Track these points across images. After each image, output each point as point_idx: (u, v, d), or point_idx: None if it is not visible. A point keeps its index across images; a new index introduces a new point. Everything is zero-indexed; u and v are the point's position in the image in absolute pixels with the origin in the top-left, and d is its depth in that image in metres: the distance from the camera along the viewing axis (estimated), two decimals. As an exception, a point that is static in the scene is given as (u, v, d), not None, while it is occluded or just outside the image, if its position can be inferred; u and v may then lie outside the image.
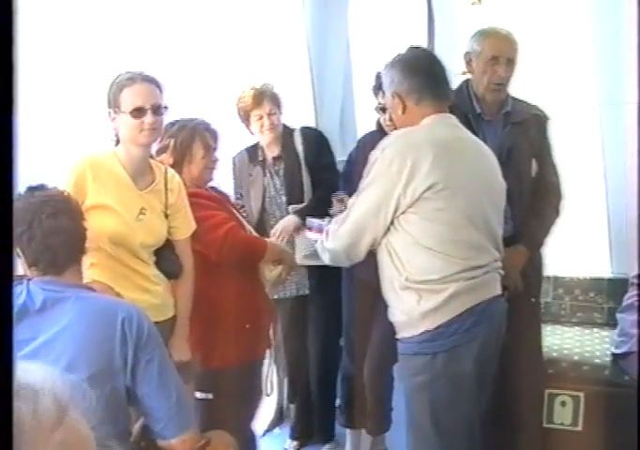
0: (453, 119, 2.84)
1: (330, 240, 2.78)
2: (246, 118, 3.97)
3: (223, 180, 3.66)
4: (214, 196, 3.30)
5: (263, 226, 3.97)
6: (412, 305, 2.67)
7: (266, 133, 3.96)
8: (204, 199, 3.18)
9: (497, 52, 3.34)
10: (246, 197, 4.05)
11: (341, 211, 3.07)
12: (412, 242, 2.65)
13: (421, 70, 2.78)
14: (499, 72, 3.33)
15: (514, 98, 3.50)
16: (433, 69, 2.82)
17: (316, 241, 2.97)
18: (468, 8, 4.72)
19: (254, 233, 3.43)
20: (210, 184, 3.35)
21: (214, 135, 3.23)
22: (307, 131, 4.18)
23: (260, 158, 4.07)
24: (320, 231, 2.98)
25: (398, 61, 2.81)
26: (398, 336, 2.78)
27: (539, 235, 3.45)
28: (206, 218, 3.10)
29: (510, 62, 3.37)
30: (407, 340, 2.73)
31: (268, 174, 4.05)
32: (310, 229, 3.16)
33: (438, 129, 2.75)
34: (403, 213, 2.63)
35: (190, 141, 3.15)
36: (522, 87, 3.88)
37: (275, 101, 3.98)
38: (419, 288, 2.65)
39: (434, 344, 2.67)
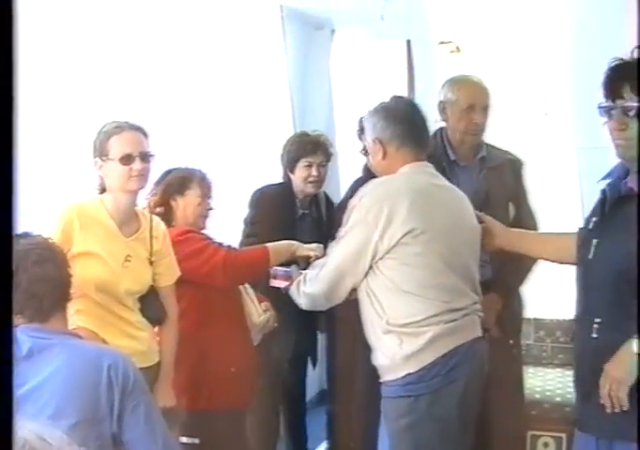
0: (430, 168, 2.90)
1: (309, 285, 2.83)
2: (292, 163, 3.84)
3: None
4: (207, 236, 3.33)
5: None
6: (394, 348, 2.70)
7: (310, 185, 3.83)
8: (197, 233, 3.23)
9: (473, 100, 3.41)
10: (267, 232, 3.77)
11: None
12: (391, 286, 2.70)
13: (404, 118, 2.85)
14: (476, 120, 3.40)
15: (488, 144, 3.57)
16: (414, 118, 2.89)
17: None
18: (447, 56, 4.82)
19: None
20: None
21: (209, 184, 3.30)
22: (327, 196, 4.13)
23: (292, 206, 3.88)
24: (286, 278, 3.03)
25: (382, 108, 2.88)
26: (381, 379, 2.80)
27: (514, 281, 3.49)
28: (201, 251, 3.14)
29: (485, 109, 3.44)
30: (391, 384, 2.75)
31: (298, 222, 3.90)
32: (274, 277, 3.11)
33: (415, 177, 2.82)
34: (381, 258, 2.69)
35: (189, 187, 3.23)
36: (500, 133, 3.98)
37: (328, 157, 3.92)
38: (400, 331, 2.68)
39: (417, 386, 2.69)
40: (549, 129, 4.79)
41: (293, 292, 2.92)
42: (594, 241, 2.34)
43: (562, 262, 2.61)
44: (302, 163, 3.80)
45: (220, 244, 3.27)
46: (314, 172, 3.80)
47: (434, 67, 4.87)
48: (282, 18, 4.77)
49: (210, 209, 3.32)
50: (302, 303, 2.92)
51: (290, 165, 3.84)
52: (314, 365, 4.24)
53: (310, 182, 3.82)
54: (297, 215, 3.84)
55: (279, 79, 4.92)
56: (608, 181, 2.37)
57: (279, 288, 3.08)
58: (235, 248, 3.30)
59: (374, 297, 2.73)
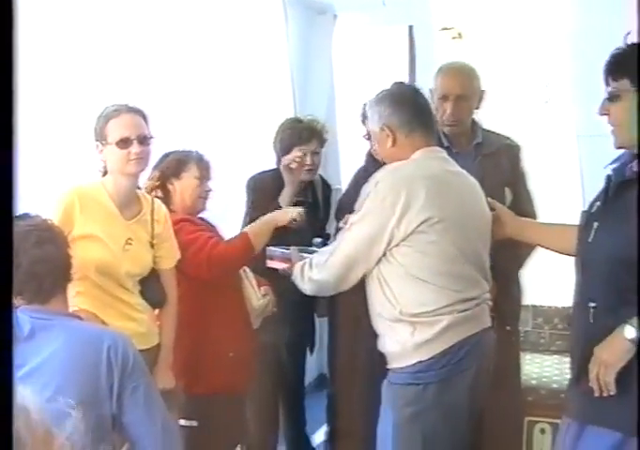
0: (442, 153, 2.89)
1: (317, 271, 2.80)
2: (286, 151, 3.77)
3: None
4: (201, 222, 3.34)
5: None
6: (406, 336, 2.68)
7: (305, 173, 3.78)
8: (190, 223, 3.23)
9: (446, 90, 3.40)
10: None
11: None
12: (405, 274, 2.67)
13: (411, 104, 2.82)
14: (447, 110, 3.38)
15: (485, 130, 3.56)
16: (420, 103, 2.86)
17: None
18: (449, 43, 4.81)
19: None
20: (201, 215, 3.41)
21: (207, 165, 3.30)
22: (323, 179, 4.12)
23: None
24: (283, 260, 3.02)
25: (387, 95, 2.85)
26: (389, 366, 2.79)
27: (512, 267, 3.49)
28: (192, 242, 3.15)
29: (460, 98, 3.40)
30: (399, 371, 2.74)
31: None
32: (271, 258, 3.10)
33: (429, 163, 2.79)
34: (396, 245, 2.66)
35: (184, 170, 3.23)
36: (501, 119, 3.98)
37: (322, 143, 3.88)
38: (414, 320, 2.67)
39: (426, 375, 2.68)
40: (550, 117, 4.79)
41: (296, 277, 2.89)
42: (595, 224, 2.34)
43: (569, 254, 2.58)
44: (296, 151, 3.74)
45: (212, 231, 3.30)
46: (308, 161, 3.76)
47: (436, 53, 4.85)
48: (284, 2, 4.76)
49: (209, 191, 3.32)
50: (307, 288, 2.89)
51: (283, 152, 3.78)
52: (312, 350, 4.25)
53: (304, 170, 3.76)
54: (292, 202, 3.73)
55: (280, 63, 4.92)
56: (614, 166, 2.36)
57: (276, 269, 3.06)
58: (221, 240, 3.26)
59: (386, 285, 2.71)
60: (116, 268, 2.83)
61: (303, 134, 3.77)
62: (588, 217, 2.41)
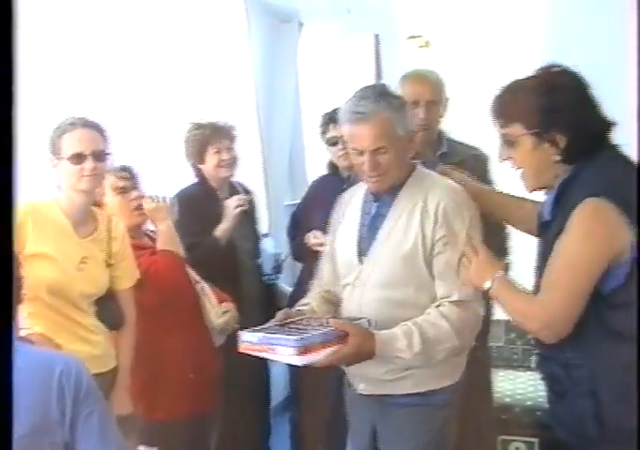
0: None
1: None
2: (199, 152, 3.73)
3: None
4: (147, 245, 3.23)
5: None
6: None
7: (224, 169, 3.73)
8: (139, 250, 3.11)
9: (416, 96, 3.32)
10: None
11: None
12: None
13: None
14: (420, 115, 3.30)
15: (452, 140, 3.51)
16: None
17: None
18: (416, 51, 4.75)
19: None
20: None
21: (128, 175, 3.16)
22: (242, 184, 4.04)
23: (215, 203, 3.75)
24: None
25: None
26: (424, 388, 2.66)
27: None
28: (138, 267, 3.04)
29: (431, 104, 3.36)
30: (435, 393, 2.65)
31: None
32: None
33: None
34: None
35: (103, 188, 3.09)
36: (468, 127, 3.90)
37: (232, 138, 3.81)
38: None
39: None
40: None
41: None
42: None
43: (526, 231, 2.54)
44: (210, 151, 3.71)
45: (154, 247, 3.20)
46: (225, 156, 3.72)
47: (403, 61, 4.79)
48: (247, 10, 4.66)
49: (134, 199, 3.15)
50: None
51: (198, 157, 3.74)
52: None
53: (221, 166, 3.72)
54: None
55: (244, 73, 4.82)
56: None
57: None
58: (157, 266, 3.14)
59: None
60: (70, 288, 2.71)
61: (213, 133, 3.73)
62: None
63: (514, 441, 3.84)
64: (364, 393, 2.71)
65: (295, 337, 2.27)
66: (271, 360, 2.59)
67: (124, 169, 3.15)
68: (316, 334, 2.32)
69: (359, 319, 2.49)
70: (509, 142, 2.21)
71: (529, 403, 3.90)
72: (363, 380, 2.69)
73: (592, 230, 2.04)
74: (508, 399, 3.99)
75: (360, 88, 2.65)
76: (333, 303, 2.75)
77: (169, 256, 3.15)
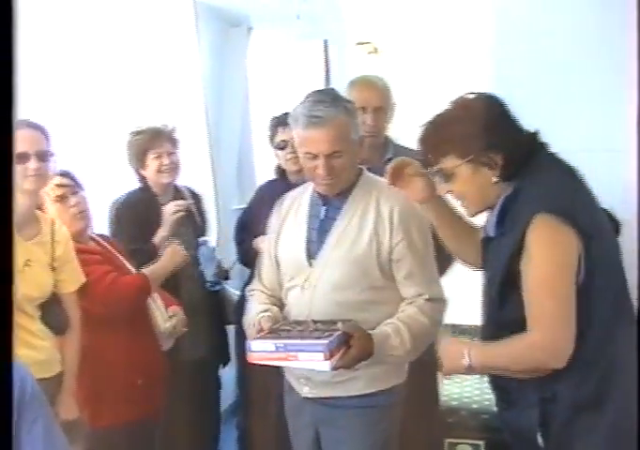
0: None
1: None
2: (140, 158, 3.70)
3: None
4: (97, 249, 3.20)
5: None
6: None
7: (166, 175, 3.69)
8: (87, 254, 3.08)
9: (363, 102, 3.33)
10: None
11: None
12: None
13: None
14: (367, 122, 3.34)
15: (399, 146, 3.52)
16: None
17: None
18: (365, 57, 4.76)
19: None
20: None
21: (68, 181, 3.10)
22: (191, 189, 4.02)
23: (156, 210, 3.69)
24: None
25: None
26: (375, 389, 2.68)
27: None
28: (88, 275, 3.01)
29: (379, 109, 3.41)
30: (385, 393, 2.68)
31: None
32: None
33: None
34: None
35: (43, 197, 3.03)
36: (417, 132, 3.92)
37: (174, 142, 3.77)
38: None
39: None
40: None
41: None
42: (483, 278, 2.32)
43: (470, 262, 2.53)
44: (150, 156, 3.67)
45: (108, 258, 3.18)
46: (166, 161, 3.68)
47: (351, 67, 4.79)
48: (196, 14, 4.64)
49: (74, 206, 3.09)
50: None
51: (140, 162, 3.70)
52: (225, 364, 4.06)
53: (162, 171, 3.68)
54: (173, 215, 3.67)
55: (193, 77, 4.79)
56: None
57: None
58: (117, 277, 3.12)
59: None
60: (14, 291, 2.64)
61: (153, 138, 3.69)
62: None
63: (461, 443, 3.84)
64: (309, 396, 2.71)
65: (321, 342, 2.25)
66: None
67: (63, 174, 3.09)
68: (334, 337, 2.30)
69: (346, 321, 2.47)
70: (446, 176, 2.21)
71: (475, 406, 3.92)
72: (308, 383, 2.69)
73: (553, 247, 2.05)
74: (455, 403, 4.00)
75: (313, 92, 2.67)
76: (280, 307, 2.75)
77: (140, 280, 3.16)
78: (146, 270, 3.23)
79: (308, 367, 2.34)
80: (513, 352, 2.13)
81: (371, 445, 2.65)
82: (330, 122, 2.53)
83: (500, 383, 2.25)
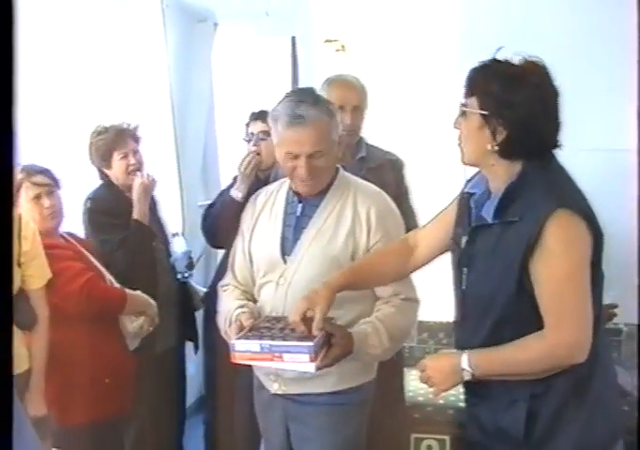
0: None
1: None
2: (105, 158, 3.60)
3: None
4: (68, 245, 3.17)
5: None
6: None
7: (132, 175, 3.59)
8: (58, 249, 3.05)
9: (342, 101, 3.37)
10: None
11: None
12: None
13: None
14: (346, 120, 3.36)
15: (369, 145, 3.58)
16: None
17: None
18: (332, 55, 4.77)
19: (115, 283, 3.26)
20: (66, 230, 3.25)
21: (44, 178, 3.07)
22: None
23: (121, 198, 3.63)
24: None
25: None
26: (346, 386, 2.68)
27: None
28: (63, 271, 2.99)
29: (357, 109, 3.46)
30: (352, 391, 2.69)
31: None
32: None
33: None
34: None
35: (18, 195, 2.99)
36: (383, 133, 3.95)
37: (137, 140, 3.71)
38: None
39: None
40: (432, 131, 4.80)
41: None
42: (464, 270, 2.22)
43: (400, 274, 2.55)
44: (116, 157, 3.60)
45: (81, 257, 3.15)
46: (132, 161, 3.61)
47: (319, 65, 4.80)
48: (163, 8, 4.61)
49: (51, 207, 3.06)
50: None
51: (104, 162, 3.62)
52: (196, 350, 4.03)
53: (129, 171, 3.61)
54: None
55: (158, 71, 4.76)
56: (473, 192, 2.28)
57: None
58: (94, 278, 3.11)
59: None
60: (-21, 287, 2.62)
61: (117, 137, 3.61)
62: (458, 259, 2.26)
63: (426, 438, 3.90)
64: (279, 393, 2.71)
65: (307, 344, 2.23)
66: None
67: (41, 172, 3.07)
68: (317, 338, 2.28)
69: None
70: (462, 112, 2.16)
71: (441, 402, 3.95)
72: (277, 379, 2.69)
73: (575, 244, 2.03)
74: (420, 398, 4.04)
75: (292, 91, 2.70)
76: (254, 302, 2.76)
77: (119, 295, 3.17)
78: (129, 292, 3.21)
79: (293, 368, 2.33)
80: (531, 354, 2.07)
81: (339, 442, 2.66)
82: (313, 122, 2.54)
83: (480, 380, 2.17)
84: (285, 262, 2.65)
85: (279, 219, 2.73)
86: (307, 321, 2.32)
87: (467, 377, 2.12)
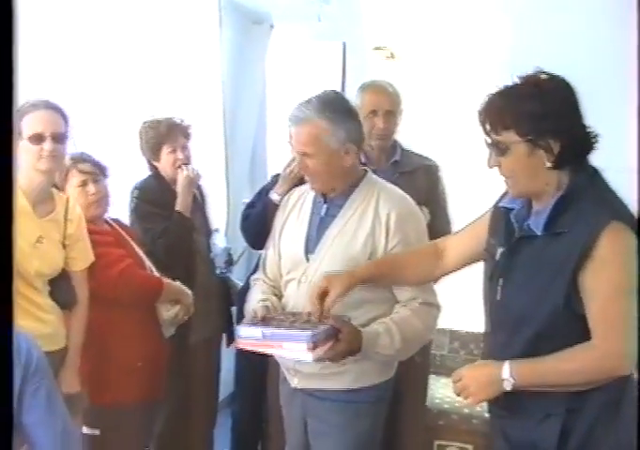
0: None
1: None
2: (154, 150, 3.69)
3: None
4: (111, 231, 3.25)
5: None
6: None
7: (179, 170, 3.66)
8: (99, 235, 3.13)
9: (375, 105, 3.48)
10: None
11: None
12: None
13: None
14: (378, 124, 3.46)
15: (405, 150, 3.62)
16: None
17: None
18: (382, 62, 4.81)
19: (154, 271, 3.33)
20: (113, 217, 3.33)
21: (90, 168, 3.16)
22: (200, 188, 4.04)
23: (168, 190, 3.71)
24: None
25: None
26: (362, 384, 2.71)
27: None
28: (101, 256, 3.06)
29: (389, 113, 3.51)
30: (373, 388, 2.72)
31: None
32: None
33: None
34: None
35: (67, 180, 3.11)
36: (431, 139, 3.98)
37: (188, 137, 3.78)
38: None
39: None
40: (477, 139, 4.81)
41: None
42: (500, 281, 2.20)
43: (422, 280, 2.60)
44: (165, 150, 3.68)
45: (122, 244, 3.23)
46: (180, 156, 3.68)
47: (368, 71, 4.84)
48: (220, 9, 4.70)
49: (98, 193, 3.16)
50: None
51: (153, 153, 3.71)
52: (228, 344, 4.05)
53: (177, 165, 3.68)
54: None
55: (212, 71, 4.84)
56: (508, 204, 2.26)
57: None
58: (132, 265, 3.19)
59: None
60: (25, 266, 2.72)
61: (168, 132, 3.69)
62: (493, 269, 2.24)
63: (450, 446, 3.91)
64: (298, 387, 2.76)
65: (305, 333, 2.29)
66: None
67: (87, 160, 3.16)
68: (320, 330, 2.34)
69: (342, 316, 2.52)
70: (500, 150, 2.09)
71: (467, 411, 3.97)
72: (297, 374, 2.74)
73: (629, 256, 2.00)
74: (446, 406, 4.05)
75: (319, 93, 2.70)
76: (279, 297, 2.82)
77: (156, 283, 3.24)
78: (165, 281, 3.28)
79: (292, 356, 2.41)
80: (577, 365, 2.05)
81: (353, 439, 2.70)
82: (303, 122, 2.59)
83: (509, 392, 2.11)
84: (308, 260, 2.70)
85: (305, 219, 2.79)
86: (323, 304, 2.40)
87: (509, 387, 2.07)
